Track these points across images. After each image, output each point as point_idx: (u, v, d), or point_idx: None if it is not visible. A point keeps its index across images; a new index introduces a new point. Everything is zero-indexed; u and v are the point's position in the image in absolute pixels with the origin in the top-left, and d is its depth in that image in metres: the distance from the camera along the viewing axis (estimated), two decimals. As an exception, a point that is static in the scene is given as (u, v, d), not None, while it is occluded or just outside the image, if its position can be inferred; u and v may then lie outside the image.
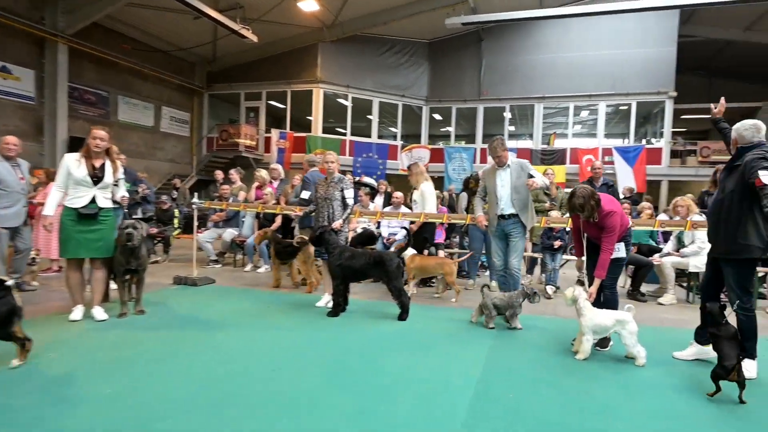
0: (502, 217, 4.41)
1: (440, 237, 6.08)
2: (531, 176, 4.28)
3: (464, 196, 6.72)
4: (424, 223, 5.55)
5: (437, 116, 17.93)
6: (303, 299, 5.01)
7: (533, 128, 15.59)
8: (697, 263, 4.93)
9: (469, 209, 5.85)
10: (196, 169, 15.96)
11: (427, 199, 5.65)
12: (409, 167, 6.53)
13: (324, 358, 3.18)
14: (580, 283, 3.50)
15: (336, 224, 4.53)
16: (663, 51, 13.51)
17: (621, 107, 14.94)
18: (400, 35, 15.75)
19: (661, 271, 5.22)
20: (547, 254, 5.57)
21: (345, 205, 4.66)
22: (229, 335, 3.65)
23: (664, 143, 13.57)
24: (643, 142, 14.87)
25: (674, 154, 13.73)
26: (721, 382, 2.56)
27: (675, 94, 13.48)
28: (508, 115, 16.22)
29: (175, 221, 7.80)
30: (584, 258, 3.64)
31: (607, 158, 13.47)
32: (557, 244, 5.43)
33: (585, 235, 3.51)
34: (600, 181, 5.92)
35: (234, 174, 7.87)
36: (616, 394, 2.68)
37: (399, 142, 16.64)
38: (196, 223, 6.29)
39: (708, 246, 4.88)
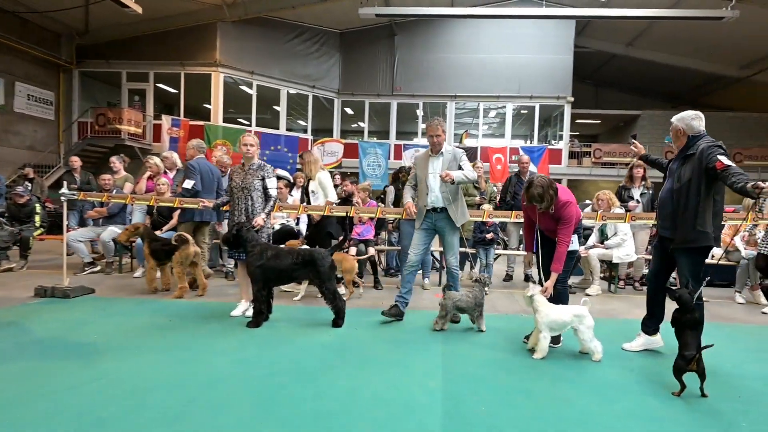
0: (432, 210, 4.03)
1: (369, 233, 5.69)
2: (460, 167, 3.95)
3: (392, 189, 6.43)
4: (325, 216, 5.10)
5: (349, 110, 17.61)
6: (214, 309, 4.24)
7: (446, 126, 16.03)
8: (620, 254, 5.24)
9: (400, 203, 5.54)
10: (65, 159, 13.47)
11: (327, 189, 5.18)
12: (301, 155, 6.01)
13: (250, 382, 2.58)
14: (529, 279, 3.39)
15: (258, 220, 3.88)
16: (562, 58, 14.84)
17: (523, 110, 16.10)
18: (311, 22, 15.07)
19: (587, 263, 5.46)
20: (480, 249, 5.50)
21: (267, 197, 4.02)
22: (119, 362, 2.83)
23: (563, 145, 14.92)
24: (543, 143, 16.24)
25: (571, 155, 15.19)
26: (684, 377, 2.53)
27: (572, 99, 14.91)
28: (420, 112, 16.49)
29: (37, 219, 6.28)
30: (533, 252, 3.54)
31: (514, 157, 14.36)
32: (490, 236, 5.38)
33: (537, 228, 3.39)
34: (527, 174, 6.05)
35: (116, 162, 6.61)
36: (589, 398, 2.52)
37: (310, 136, 15.94)
38: (66, 221, 5.06)
39: (630, 238, 5.35)
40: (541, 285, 3.28)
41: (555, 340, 3.32)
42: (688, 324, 2.59)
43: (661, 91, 18.96)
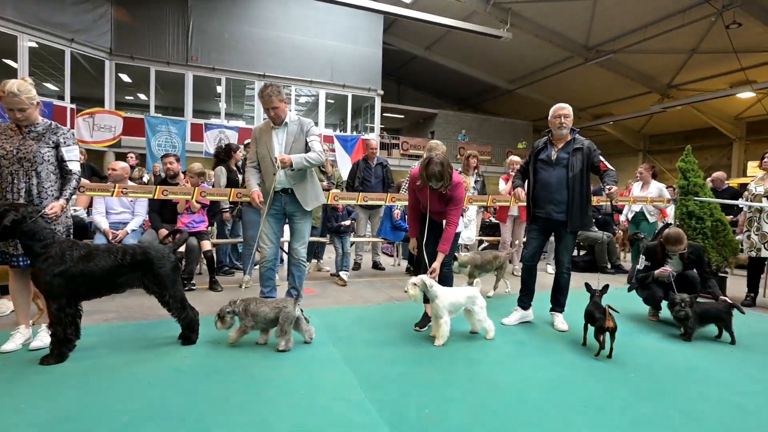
0: (282, 191, 3.47)
1: (202, 224, 4.69)
2: (307, 146, 3.42)
3: (222, 171, 5.49)
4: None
5: (126, 77, 14.64)
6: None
7: (253, 110, 15.04)
8: (464, 237, 5.75)
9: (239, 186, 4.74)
10: None
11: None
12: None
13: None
14: (411, 272, 3.30)
15: (54, 207, 2.62)
16: (372, 52, 15.72)
17: (332, 99, 16.40)
18: (67, -50, 11.78)
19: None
20: (335, 238, 5.21)
21: (65, 173, 2.78)
22: None
23: (375, 136, 15.86)
24: (354, 133, 16.96)
25: (382, 146, 16.31)
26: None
27: (382, 92, 15.99)
28: (222, 89, 14.97)
29: None
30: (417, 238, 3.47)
31: (329, 145, 14.51)
32: (347, 223, 5.14)
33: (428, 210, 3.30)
34: (375, 160, 6.05)
35: None
36: (522, 384, 2.57)
37: (69, 104, 12.52)
38: None
39: (474, 221, 5.96)
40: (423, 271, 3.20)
41: (422, 323, 3.37)
42: (595, 305, 3.02)
43: (453, 95, 22.37)
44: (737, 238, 4.84)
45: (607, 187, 3.22)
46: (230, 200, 4.63)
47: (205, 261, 4.79)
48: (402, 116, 19.73)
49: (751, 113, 16.01)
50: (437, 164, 3.06)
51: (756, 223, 4.49)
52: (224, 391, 2.24)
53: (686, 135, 18.18)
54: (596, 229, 6.57)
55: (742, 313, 3.33)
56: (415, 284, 3.08)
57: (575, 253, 6.96)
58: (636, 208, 6.06)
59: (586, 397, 2.30)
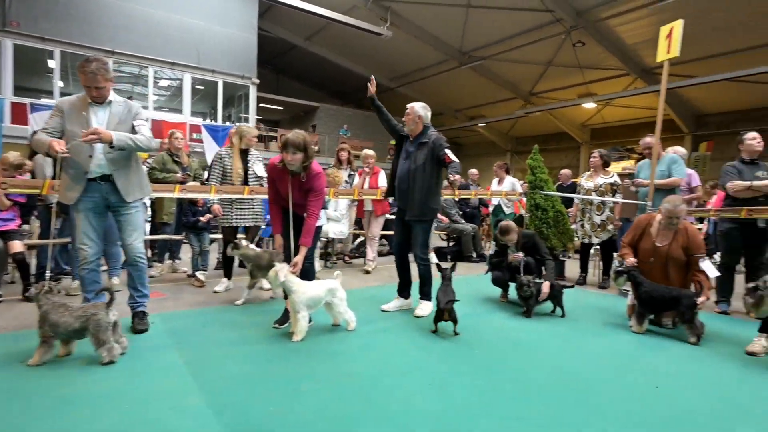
0: (99, 179, 2.96)
1: (11, 222, 3.97)
2: (134, 128, 2.99)
3: (46, 160, 4.69)
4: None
5: None
6: None
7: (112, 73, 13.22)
8: (336, 231, 5.76)
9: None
10: None
11: None
12: None
13: None
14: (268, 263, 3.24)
15: None
16: (245, 36, 14.95)
17: (200, 85, 15.28)
18: None
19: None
20: (191, 234, 4.82)
21: None
22: None
23: (251, 125, 15.14)
24: (228, 123, 16.01)
25: (259, 138, 15.66)
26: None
27: (258, 81, 15.32)
28: (56, 64, 12.91)
29: None
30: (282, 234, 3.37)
31: (195, 135, 13.47)
32: (205, 219, 4.78)
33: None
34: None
35: None
36: (376, 371, 2.65)
37: None
38: None
39: (347, 215, 6.00)
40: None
41: (283, 319, 3.31)
42: (444, 286, 3.29)
43: (335, 89, 22.38)
44: (572, 227, 5.64)
45: (449, 176, 3.52)
46: (41, 194, 3.91)
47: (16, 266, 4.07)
48: (281, 108, 19.23)
49: (593, 121, 18.88)
50: (298, 134, 3.04)
51: (588, 214, 5.28)
52: (27, 417, 1.91)
53: (545, 138, 20.77)
54: (463, 222, 7.14)
55: (567, 289, 3.95)
56: (274, 273, 2.99)
57: (444, 243, 7.47)
58: (494, 201, 6.73)
59: (434, 376, 2.46)
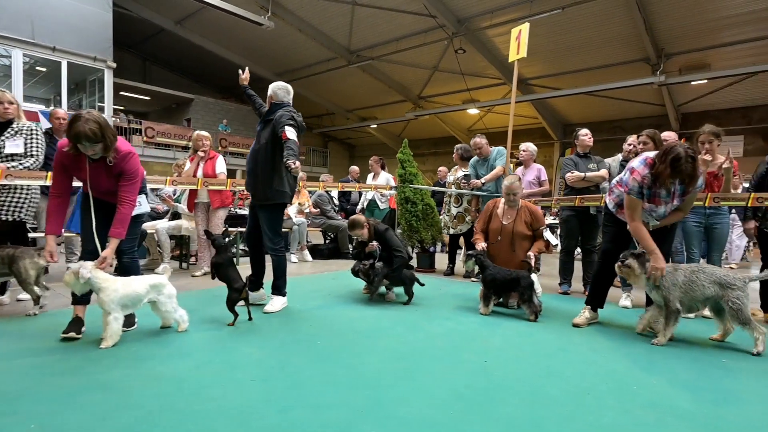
0: None
1: None
2: None
3: None
4: None
5: None
6: None
7: None
8: (192, 226, 5.31)
9: None
10: None
11: None
12: None
13: None
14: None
15: None
16: (96, 12, 13.28)
17: (39, 66, 13.32)
18: None
19: (153, 240, 5.22)
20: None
21: None
22: None
23: (106, 117, 13.58)
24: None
25: (120, 131, 14.12)
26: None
27: (114, 65, 13.77)
28: None
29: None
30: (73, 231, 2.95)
31: (35, 124, 11.74)
32: None
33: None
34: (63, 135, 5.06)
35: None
36: (193, 372, 2.41)
37: None
38: None
39: None
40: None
41: (128, 322, 2.93)
42: (227, 263, 3.12)
43: (214, 81, 21.11)
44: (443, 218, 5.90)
45: (284, 160, 3.14)
46: None
47: None
48: (148, 98, 17.62)
49: (477, 127, 20.32)
50: (88, 121, 2.52)
51: (447, 206, 5.56)
52: None
53: (436, 141, 21.87)
54: (339, 218, 7.11)
55: (421, 284, 4.07)
56: (72, 272, 2.60)
57: (321, 240, 7.38)
58: (369, 195, 6.80)
59: (259, 371, 2.30)
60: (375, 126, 21.41)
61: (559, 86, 15.57)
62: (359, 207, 7.20)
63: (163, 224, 5.34)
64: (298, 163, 3.10)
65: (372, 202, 6.84)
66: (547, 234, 3.82)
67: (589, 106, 16.54)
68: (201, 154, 5.03)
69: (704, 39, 12.13)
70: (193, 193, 5.07)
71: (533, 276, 3.94)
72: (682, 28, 11.93)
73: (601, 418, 1.88)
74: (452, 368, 2.42)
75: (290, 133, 3.23)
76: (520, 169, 5.95)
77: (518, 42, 4.80)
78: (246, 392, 2.04)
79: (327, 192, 6.91)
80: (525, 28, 4.76)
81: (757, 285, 3.61)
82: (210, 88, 21.06)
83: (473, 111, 18.27)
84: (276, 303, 3.55)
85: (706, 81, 13.21)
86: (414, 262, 5.19)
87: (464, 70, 15.41)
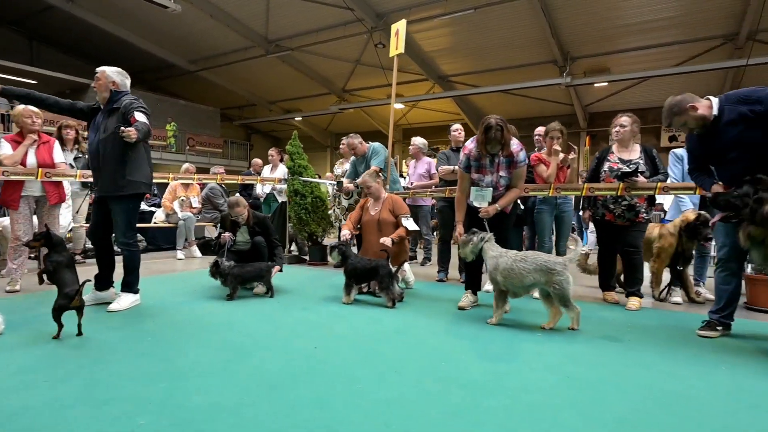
0: None
1: None
2: None
3: None
4: None
5: None
6: None
7: None
8: (62, 223, 5.02)
9: None
10: None
11: None
12: None
13: None
14: None
15: None
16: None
17: None
18: None
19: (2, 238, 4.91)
20: None
21: None
22: None
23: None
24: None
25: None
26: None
27: (-6, 43, 12.64)
28: None
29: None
30: None
31: None
32: None
33: None
34: None
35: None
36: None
37: None
38: None
39: (70, 205, 5.25)
40: None
41: None
42: (65, 264, 2.91)
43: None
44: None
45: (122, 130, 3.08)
46: None
47: None
48: (35, 82, 16.16)
49: (403, 122, 20.74)
50: None
51: (338, 199, 5.71)
52: None
53: (363, 136, 22.00)
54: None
55: (280, 271, 4.18)
56: None
57: (215, 235, 7.25)
58: (267, 189, 6.80)
59: (59, 372, 2.27)
60: (300, 119, 21.21)
61: (479, 83, 16.26)
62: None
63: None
64: (132, 131, 3.06)
65: (270, 196, 6.84)
66: (406, 221, 4.06)
67: (508, 104, 17.39)
68: (33, 136, 4.27)
69: (605, 45, 13.18)
70: (13, 185, 4.18)
71: (405, 265, 4.17)
72: (584, 34, 12.88)
73: (390, 393, 2.05)
74: (275, 356, 2.50)
75: (140, 116, 3.23)
76: (412, 162, 6.23)
77: (397, 38, 5.01)
78: (32, 394, 1.99)
79: (221, 185, 6.81)
80: (402, 25, 4.97)
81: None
82: (115, 75, 19.77)
83: (398, 106, 18.62)
84: (123, 301, 3.46)
85: (606, 84, 14.38)
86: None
87: (385, 64, 15.63)
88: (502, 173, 3.50)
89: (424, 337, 2.95)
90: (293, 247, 6.54)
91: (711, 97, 2.87)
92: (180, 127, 18.25)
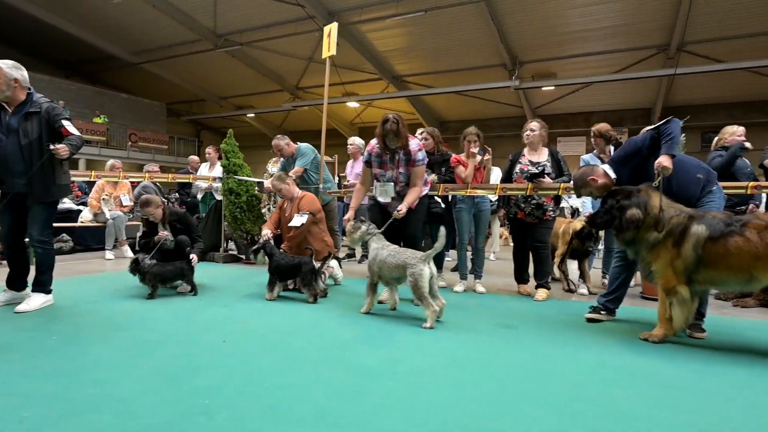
0: None
1: None
2: None
3: None
4: None
5: None
6: None
7: None
8: None
9: None
10: None
11: None
12: None
13: None
14: None
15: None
16: None
17: None
18: None
19: None
20: None
21: None
22: None
23: None
24: None
25: None
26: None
27: None
28: None
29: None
30: None
31: None
32: None
33: None
34: None
35: None
36: None
37: None
38: None
39: None
40: None
41: None
42: None
43: (52, 56, 19.03)
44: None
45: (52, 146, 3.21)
46: None
47: None
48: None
49: (359, 120, 20.91)
50: None
51: (272, 198, 5.82)
52: None
53: (318, 134, 21.98)
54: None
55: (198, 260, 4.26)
56: None
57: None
58: (203, 186, 6.81)
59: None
60: (252, 115, 21.01)
61: (433, 84, 16.62)
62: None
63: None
64: (64, 149, 3.19)
65: (209, 194, 6.85)
66: (299, 217, 4.26)
67: (462, 105, 17.87)
68: None
69: (551, 51, 13.81)
70: None
71: (333, 261, 4.34)
72: (532, 40, 13.46)
73: (284, 379, 2.19)
74: (181, 351, 2.60)
75: (71, 128, 3.36)
76: (350, 162, 6.41)
77: (329, 40, 5.17)
78: None
79: (154, 183, 6.76)
80: (334, 27, 5.14)
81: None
82: (46, 64, 18.93)
83: (353, 104, 18.77)
84: (34, 301, 3.42)
85: (553, 88, 15.06)
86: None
87: (339, 63, 15.71)
88: (401, 170, 3.80)
89: (334, 329, 3.12)
90: (231, 245, 6.58)
91: (603, 166, 3.22)
92: (121, 122, 17.68)
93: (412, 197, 3.70)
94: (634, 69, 13.37)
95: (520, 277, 4.52)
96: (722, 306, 4.22)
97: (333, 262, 4.62)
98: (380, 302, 3.83)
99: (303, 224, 4.26)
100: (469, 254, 4.78)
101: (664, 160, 2.88)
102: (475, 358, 2.58)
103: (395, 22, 13.57)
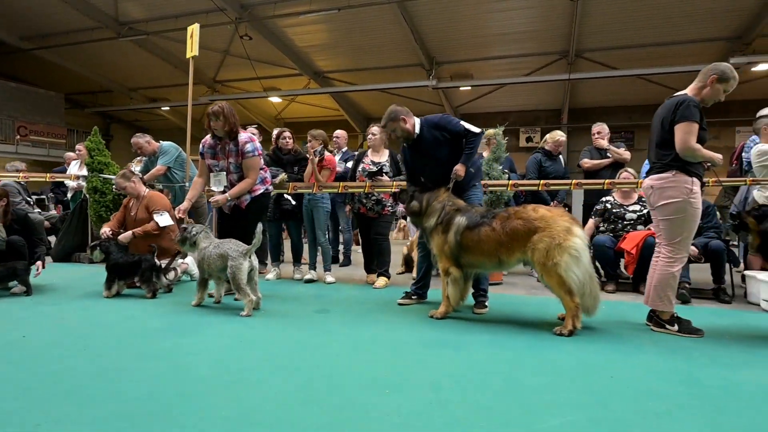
0: None
1: None
2: None
3: None
4: None
5: None
6: None
7: None
8: None
9: None
10: None
11: None
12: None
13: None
14: None
15: None
16: None
17: None
18: None
19: None
20: None
21: None
22: None
23: None
24: None
25: None
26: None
27: None
28: None
29: None
30: None
31: None
32: None
33: None
34: None
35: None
36: None
37: None
38: None
39: None
40: None
41: None
42: None
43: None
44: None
45: None
46: None
47: None
48: None
49: (284, 115, 21.00)
50: None
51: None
52: None
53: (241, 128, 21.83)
54: (33, 210, 6.96)
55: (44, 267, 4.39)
56: None
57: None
58: (72, 183, 6.81)
59: None
60: (167, 108, 20.55)
61: (355, 81, 17.03)
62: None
63: None
64: None
65: (80, 192, 6.83)
66: (159, 216, 4.50)
67: (387, 102, 18.15)
68: None
69: (468, 52, 14.61)
70: None
71: (188, 258, 4.56)
72: (448, 41, 14.17)
73: (90, 367, 2.45)
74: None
75: None
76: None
77: (192, 40, 5.40)
78: None
79: (18, 182, 6.68)
80: (195, 28, 5.38)
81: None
82: None
83: (276, 99, 18.84)
84: None
85: (470, 88, 15.91)
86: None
87: (258, 57, 15.74)
88: (231, 160, 4.12)
89: (146, 321, 3.42)
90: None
91: (417, 119, 3.70)
92: (8, 113, 16.76)
93: (237, 189, 4.00)
94: (542, 72, 14.42)
95: (368, 267, 4.98)
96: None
97: (188, 259, 4.85)
98: (210, 296, 4.11)
99: (171, 223, 4.53)
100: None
101: (459, 169, 3.50)
102: (261, 339, 2.95)
103: (312, 18, 13.79)
